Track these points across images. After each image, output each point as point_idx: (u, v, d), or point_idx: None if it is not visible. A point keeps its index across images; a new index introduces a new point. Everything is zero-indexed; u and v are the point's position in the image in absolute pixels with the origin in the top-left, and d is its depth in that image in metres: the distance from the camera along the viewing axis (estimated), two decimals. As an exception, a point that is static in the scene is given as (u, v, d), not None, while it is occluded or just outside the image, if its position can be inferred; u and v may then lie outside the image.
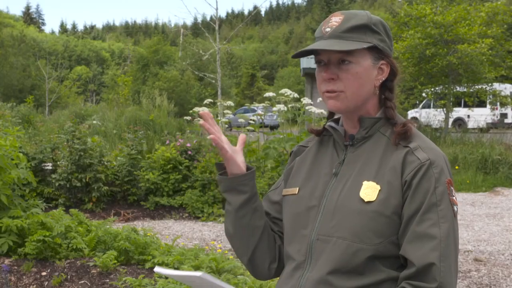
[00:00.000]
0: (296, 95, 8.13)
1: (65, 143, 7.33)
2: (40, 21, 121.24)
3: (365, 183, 1.26)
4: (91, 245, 4.36)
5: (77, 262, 4.11)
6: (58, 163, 7.23)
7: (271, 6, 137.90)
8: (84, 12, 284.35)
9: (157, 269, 1.29)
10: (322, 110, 7.67)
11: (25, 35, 47.58)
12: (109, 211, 7.18)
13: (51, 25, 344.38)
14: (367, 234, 1.22)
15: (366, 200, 1.24)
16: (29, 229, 4.22)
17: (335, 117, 1.44)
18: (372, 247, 1.22)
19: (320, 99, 8.61)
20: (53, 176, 7.05)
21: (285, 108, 8.02)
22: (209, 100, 9.66)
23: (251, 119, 9.21)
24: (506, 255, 5.51)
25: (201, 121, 1.35)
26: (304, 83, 23.78)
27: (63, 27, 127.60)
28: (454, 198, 1.24)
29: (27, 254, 4.12)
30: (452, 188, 1.25)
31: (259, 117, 8.81)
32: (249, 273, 3.90)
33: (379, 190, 1.24)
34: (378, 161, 1.28)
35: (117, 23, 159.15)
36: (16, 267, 4.04)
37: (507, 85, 21.39)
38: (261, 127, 9.18)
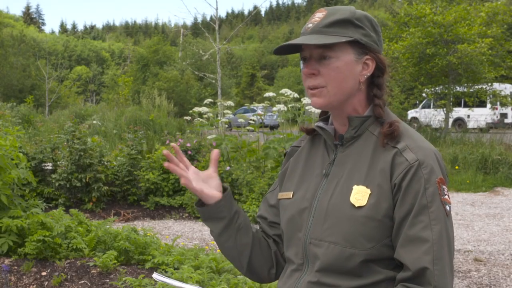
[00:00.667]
0: (296, 95, 8.13)
1: (65, 143, 7.33)
2: (40, 21, 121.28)
3: (355, 187, 1.25)
4: (91, 245, 4.36)
5: (77, 262, 4.11)
6: (58, 163, 7.23)
7: (271, 6, 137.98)
8: (84, 12, 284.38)
9: (155, 276, 1.29)
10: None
11: (25, 35, 47.56)
12: (109, 211, 7.18)
13: (51, 25, 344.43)
14: (358, 239, 1.21)
15: (356, 205, 1.23)
16: (29, 229, 4.22)
17: (325, 115, 1.43)
18: (364, 252, 1.21)
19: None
20: (53, 176, 7.05)
21: (285, 108, 8.02)
22: (209, 100, 9.66)
23: (251, 119, 9.21)
24: (506, 255, 5.51)
25: (165, 163, 1.33)
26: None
27: (63, 27, 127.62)
28: (446, 197, 1.22)
29: (27, 254, 4.12)
30: (444, 187, 1.22)
31: (259, 117, 8.81)
32: None
33: (370, 194, 1.23)
34: (368, 162, 1.26)
35: (117, 23, 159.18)
36: (16, 267, 4.04)
37: (507, 85, 21.40)
38: (261, 127, 9.18)
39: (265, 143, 7.88)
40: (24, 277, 3.93)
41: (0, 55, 35.82)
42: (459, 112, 21.81)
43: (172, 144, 1.34)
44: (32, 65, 39.34)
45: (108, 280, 3.87)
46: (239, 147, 8.20)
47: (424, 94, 18.63)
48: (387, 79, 1.34)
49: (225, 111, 9.33)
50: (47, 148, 7.48)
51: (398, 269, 1.22)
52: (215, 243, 5.74)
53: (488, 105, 21.71)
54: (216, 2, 18.64)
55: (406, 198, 1.20)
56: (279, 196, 1.44)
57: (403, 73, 17.23)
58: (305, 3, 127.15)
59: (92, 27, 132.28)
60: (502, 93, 18.53)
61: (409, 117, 23.25)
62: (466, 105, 20.55)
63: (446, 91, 17.52)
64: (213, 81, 21.38)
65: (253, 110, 19.31)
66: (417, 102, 21.46)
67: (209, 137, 8.42)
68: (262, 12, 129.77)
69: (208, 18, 44.99)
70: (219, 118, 9.46)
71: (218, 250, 4.93)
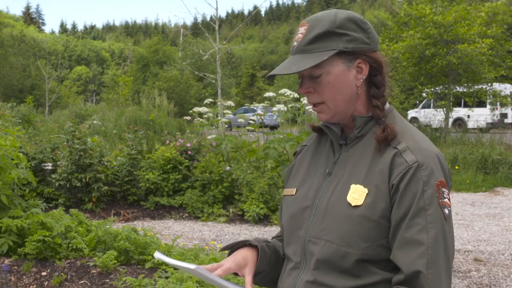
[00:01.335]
0: (296, 95, 8.12)
1: (65, 143, 7.33)
2: (40, 21, 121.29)
3: (352, 186, 1.24)
4: (91, 245, 4.36)
5: (77, 262, 4.11)
6: (58, 163, 7.23)
7: (271, 6, 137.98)
8: (84, 12, 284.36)
9: (157, 254, 1.32)
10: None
11: (25, 35, 47.58)
12: (109, 211, 7.18)
13: (51, 25, 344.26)
14: (354, 238, 1.21)
15: (353, 204, 1.22)
16: (29, 229, 4.22)
17: None
18: (359, 251, 1.21)
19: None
20: (53, 176, 7.05)
21: (285, 108, 8.02)
22: (209, 100, 9.66)
23: (251, 119, 9.20)
24: (506, 255, 5.51)
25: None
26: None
27: (63, 27, 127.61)
28: (445, 200, 1.20)
29: (27, 254, 4.12)
30: (444, 190, 1.21)
31: (259, 117, 8.80)
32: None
33: (367, 194, 1.22)
34: (368, 162, 1.26)
35: (117, 23, 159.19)
36: (16, 267, 4.04)
37: (507, 85, 21.41)
38: (261, 127, 9.17)
39: (265, 143, 7.87)
40: (24, 277, 3.93)
41: (0, 55, 35.82)
42: (459, 112, 21.82)
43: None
44: (32, 65, 39.35)
45: (108, 280, 3.87)
46: (239, 147, 8.20)
47: (424, 94, 18.63)
48: (386, 74, 1.32)
49: (225, 111, 9.32)
50: (47, 148, 7.47)
51: (396, 271, 1.21)
52: (215, 242, 5.75)
53: (488, 105, 21.71)
54: (216, 2, 18.64)
55: (403, 200, 1.19)
56: (284, 192, 1.45)
57: (403, 73, 17.23)
58: (305, 3, 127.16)
59: (92, 27, 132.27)
60: (502, 93, 18.54)
61: (409, 117, 23.27)
62: (466, 105, 20.56)
63: (446, 91, 17.52)
64: (213, 81, 21.38)
65: (253, 110, 19.32)
66: (417, 102, 21.46)
67: (209, 137, 8.42)
68: (262, 12, 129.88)
69: (208, 18, 45.01)
70: (219, 118, 9.45)
71: (218, 250, 4.93)
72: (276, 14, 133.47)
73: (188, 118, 10.62)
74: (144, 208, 7.37)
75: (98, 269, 4.00)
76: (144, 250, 4.29)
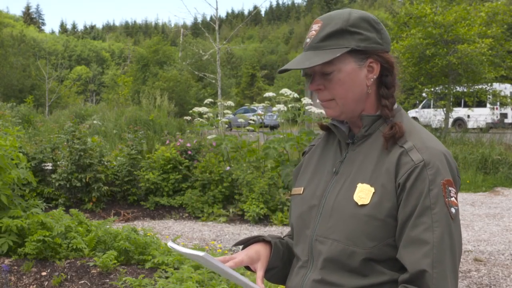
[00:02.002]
0: (296, 95, 8.12)
1: (65, 143, 7.33)
2: (40, 21, 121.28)
3: (359, 185, 1.25)
4: (91, 245, 4.36)
5: (77, 262, 4.11)
6: (58, 163, 7.23)
7: (271, 6, 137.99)
8: (84, 12, 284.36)
9: (170, 243, 1.34)
10: (322, 110, 7.66)
11: (25, 35, 47.58)
12: (109, 211, 7.18)
13: (51, 25, 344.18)
14: (360, 238, 1.21)
15: (359, 203, 1.23)
16: (29, 229, 4.22)
17: None
18: (365, 251, 1.21)
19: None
20: (53, 176, 7.05)
21: (285, 108, 8.02)
22: (209, 100, 9.65)
23: (251, 119, 9.20)
24: (506, 255, 5.51)
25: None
26: (304, 83, 23.77)
27: (63, 27, 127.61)
28: (452, 199, 1.20)
29: (27, 254, 4.12)
30: (450, 188, 1.20)
31: (259, 117, 8.80)
32: (248, 273, 3.90)
33: (373, 193, 1.22)
34: (375, 161, 1.26)
35: (117, 23, 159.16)
36: (16, 267, 4.04)
37: (507, 85, 21.41)
38: (261, 127, 9.17)
39: (265, 143, 7.87)
40: (24, 277, 3.93)
41: (0, 55, 35.81)
42: (459, 112, 21.82)
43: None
44: (32, 65, 39.34)
45: (108, 280, 3.87)
46: (239, 147, 8.20)
47: (424, 94, 18.63)
48: (396, 75, 1.33)
49: (225, 111, 9.32)
50: (47, 148, 7.47)
51: (403, 270, 1.21)
52: (215, 243, 5.75)
53: (488, 105, 21.71)
54: (216, 2, 18.64)
55: (409, 199, 1.19)
56: (292, 192, 1.45)
57: (403, 73, 17.23)
58: (305, 3, 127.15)
59: (92, 27, 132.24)
60: (502, 93, 18.54)
61: (409, 117, 23.20)
62: (466, 105, 20.55)
63: (446, 91, 17.52)
64: (213, 81, 21.38)
65: (253, 110, 19.33)
66: (417, 102, 21.45)
67: (209, 137, 8.42)
68: (262, 12, 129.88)
69: (208, 18, 45.02)
70: (219, 118, 9.45)
71: (219, 250, 4.93)
72: (276, 14, 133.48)
73: (188, 118, 10.61)
74: (144, 208, 7.37)
75: (98, 269, 4.00)
76: (144, 250, 4.29)
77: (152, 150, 8.34)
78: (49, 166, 7.28)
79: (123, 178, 7.43)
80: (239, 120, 9.05)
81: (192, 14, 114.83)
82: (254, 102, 10.91)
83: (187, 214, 7.22)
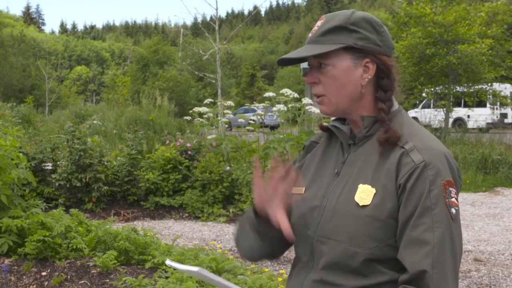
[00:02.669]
0: (296, 95, 8.13)
1: (65, 143, 7.33)
2: (40, 21, 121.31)
3: (360, 186, 1.25)
4: (91, 245, 4.36)
5: (77, 262, 4.11)
6: (58, 163, 7.23)
7: (271, 6, 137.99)
8: (84, 12, 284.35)
9: (168, 261, 1.35)
10: (322, 110, 7.65)
11: (25, 35, 47.60)
12: (109, 211, 7.18)
13: (51, 25, 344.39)
14: (362, 238, 1.22)
15: (361, 204, 1.23)
16: (29, 229, 4.22)
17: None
18: (367, 251, 1.22)
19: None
20: (53, 176, 7.05)
21: (285, 108, 8.02)
22: (209, 100, 9.66)
23: (251, 119, 9.20)
24: (506, 255, 5.51)
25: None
26: (304, 83, 23.77)
27: (63, 27, 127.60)
28: (452, 200, 1.20)
29: (27, 254, 4.12)
30: (451, 189, 1.21)
31: (259, 117, 8.80)
32: (248, 273, 3.89)
33: (374, 194, 1.23)
34: (376, 162, 1.26)
35: (117, 23, 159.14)
36: (16, 267, 4.04)
37: (507, 85, 21.41)
38: (261, 127, 9.17)
39: (265, 143, 7.87)
40: (24, 277, 3.93)
41: (0, 55, 35.81)
42: (459, 112, 21.82)
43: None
44: (32, 65, 39.34)
45: (108, 280, 3.87)
46: (239, 147, 8.20)
47: (424, 94, 18.63)
48: (395, 80, 1.34)
49: (225, 111, 9.32)
50: (47, 148, 7.47)
51: (403, 271, 1.21)
52: (215, 242, 5.75)
53: (488, 105, 21.71)
54: (216, 2, 18.64)
55: (410, 199, 1.20)
56: (293, 190, 1.44)
57: (403, 73, 17.20)
58: (305, 3, 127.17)
59: (92, 27, 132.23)
60: (502, 93, 18.54)
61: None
62: (466, 105, 20.56)
63: (446, 91, 17.52)
64: (213, 81, 21.39)
65: (253, 110, 19.31)
66: (417, 102, 21.46)
67: (209, 137, 8.42)
68: (262, 12, 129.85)
69: (208, 18, 44.97)
70: (219, 118, 9.45)
71: (219, 250, 4.93)
72: (276, 14, 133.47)
73: (188, 118, 10.61)
74: (144, 208, 7.37)
75: (98, 269, 4.00)
76: (144, 250, 4.29)
77: (152, 150, 8.34)
78: (49, 166, 7.28)
79: (123, 178, 7.43)
80: (239, 120, 9.05)
81: (192, 14, 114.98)
82: (254, 102, 10.92)
83: (187, 214, 7.22)
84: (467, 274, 4.83)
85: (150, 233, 4.70)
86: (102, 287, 3.80)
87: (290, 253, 1.47)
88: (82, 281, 3.86)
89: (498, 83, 19.58)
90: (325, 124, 1.46)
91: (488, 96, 18.22)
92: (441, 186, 1.19)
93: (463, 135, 15.09)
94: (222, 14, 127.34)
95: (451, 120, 19.76)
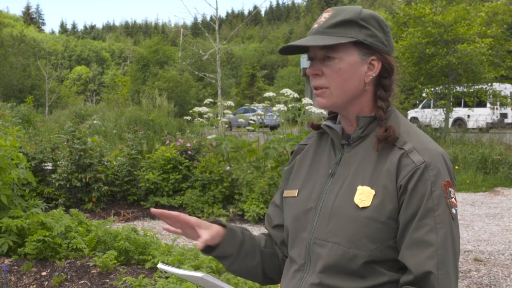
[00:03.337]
0: (296, 95, 8.12)
1: (65, 143, 7.33)
2: (40, 21, 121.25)
3: (359, 188, 1.24)
4: (91, 245, 4.36)
5: (77, 262, 4.11)
6: (58, 163, 7.23)
7: (271, 6, 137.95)
8: (84, 12, 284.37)
9: (160, 265, 1.33)
10: (322, 110, 7.66)
11: (25, 35, 47.49)
12: (109, 211, 7.18)
13: (51, 25, 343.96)
14: (362, 240, 1.21)
15: (360, 206, 1.22)
16: (29, 229, 4.22)
17: (333, 114, 1.42)
18: (367, 253, 1.21)
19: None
20: (53, 176, 7.05)
21: (285, 108, 8.02)
22: (209, 100, 9.66)
23: (251, 119, 9.20)
24: (506, 255, 5.51)
25: (165, 226, 1.41)
26: (304, 83, 23.78)
27: (63, 27, 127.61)
28: (453, 200, 1.21)
29: (27, 254, 4.12)
30: (450, 189, 1.21)
31: (259, 117, 8.80)
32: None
33: (374, 195, 1.22)
34: (373, 163, 1.25)
35: (117, 23, 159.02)
36: (16, 267, 4.04)
37: (507, 85, 21.40)
38: (261, 127, 9.17)
39: (265, 143, 7.87)
40: (24, 277, 3.93)
41: (0, 55, 35.80)
42: (459, 112, 21.81)
43: (152, 210, 1.36)
44: (32, 65, 39.30)
45: (108, 280, 3.87)
46: (239, 147, 8.20)
47: (424, 94, 18.63)
48: (395, 81, 1.33)
49: (225, 111, 9.32)
50: (47, 148, 7.47)
51: (402, 271, 1.21)
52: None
53: (488, 105, 21.72)
54: (216, 2, 18.64)
55: (411, 201, 1.19)
56: (284, 194, 1.43)
57: (403, 73, 17.23)
58: (305, 3, 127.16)
59: (92, 27, 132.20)
60: (502, 93, 18.54)
61: (409, 117, 23.26)
62: (466, 105, 20.56)
63: (446, 91, 17.52)
64: (213, 81, 21.39)
65: (253, 110, 19.31)
66: (417, 102, 21.47)
67: (209, 137, 8.42)
68: (262, 12, 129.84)
69: (208, 18, 45.03)
70: (219, 118, 9.45)
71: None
72: (276, 14, 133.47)
73: (188, 118, 10.62)
74: (144, 208, 7.37)
75: (98, 269, 4.00)
76: (144, 250, 4.29)
77: (152, 150, 8.34)
78: (49, 166, 7.28)
79: (123, 178, 7.43)
80: (239, 120, 9.05)
81: (192, 14, 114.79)
82: (254, 102, 10.92)
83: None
84: (467, 274, 4.83)
85: (150, 233, 4.70)
86: (102, 287, 3.80)
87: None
88: (82, 281, 3.86)
89: (498, 83, 19.57)
90: (316, 123, 1.45)
91: (488, 96, 18.22)
92: (442, 187, 1.19)
93: (463, 135, 15.09)
94: (222, 14, 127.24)
95: (451, 120, 19.75)
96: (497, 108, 21.42)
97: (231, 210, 7.10)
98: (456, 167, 11.37)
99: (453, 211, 1.21)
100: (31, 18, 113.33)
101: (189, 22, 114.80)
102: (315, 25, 1.30)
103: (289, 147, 7.64)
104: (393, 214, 1.21)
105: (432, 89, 17.99)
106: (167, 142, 8.26)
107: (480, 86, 17.60)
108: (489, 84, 17.62)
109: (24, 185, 5.60)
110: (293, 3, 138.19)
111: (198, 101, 31.88)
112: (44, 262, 4.12)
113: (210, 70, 35.13)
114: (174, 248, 4.39)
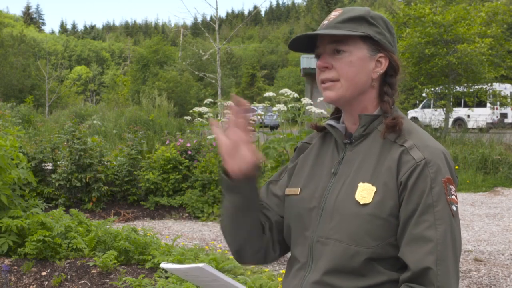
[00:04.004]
0: (296, 95, 8.12)
1: (65, 143, 7.33)
2: (40, 21, 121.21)
3: (360, 184, 1.25)
4: (91, 245, 4.36)
5: (77, 262, 4.11)
6: (58, 163, 7.23)
7: (271, 6, 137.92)
8: (84, 12, 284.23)
9: (163, 264, 1.33)
10: (322, 110, 7.67)
11: (25, 35, 47.50)
12: (109, 211, 7.18)
13: (51, 25, 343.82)
14: (363, 237, 1.21)
15: (361, 202, 1.22)
16: (29, 229, 4.22)
17: (336, 115, 1.43)
18: (369, 250, 1.21)
19: (321, 98, 8.48)
20: (53, 176, 7.05)
21: (285, 108, 8.02)
22: (209, 100, 9.66)
23: (251, 119, 9.19)
24: (506, 255, 5.51)
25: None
26: (304, 83, 23.78)
27: (63, 27, 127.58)
28: (453, 197, 1.21)
29: (27, 254, 4.12)
30: (451, 186, 1.22)
31: (259, 117, 8.81)
32: (248, 273, 3.90)
33: (375, 192, 1.22)
34: (375, 160, 1.26)
35: (117, 23, 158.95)
36: (16, 267, 4.04)
37: (507, 85, 21.39)
38: (261, 127, 9.17)
39: (265, 143, 7.87)
40: (24, 277, 3.93)
41: (0, 55, 35.80)
42: (459, 112, 21.80)
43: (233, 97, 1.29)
44: (32, 65, 39.30)
45: (108, 280, 3.87)
46: (239, 147, 8.18)
47: (424, 94, 18.62)
48: (399, 80, 1.36)
49: (225, 111, 9.31)
50: (47, 148, 7.47)
51: (403, 270, 1.21)
52: (215, 242, 5.75)
53: (488, 105, 21.71)
54: (216, 2, 18.64)
55: (411, 197, 1.20)
56: (287, 191, 1.42)
57: (403, 73, 17.18)
58: (305, 3, 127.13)
59: (92, 27, 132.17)
60: (502, 93, 18.53)
61: (409, 117, 23.05)
62: (466, 105, 20.55)
63: (446, 91, 17.51)
64: (213, 81, 21.39)
65: (253, 110, 19.28)
66: (417, 102, 21.45)
67: (209, 137, 8.42)
68: (262, 12, 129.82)
69: (208, 18, 45.01)
70: (219, 118, 9.45)
71: (218, 250, 4.93)
72: (276, 14, 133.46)
73: (188, 118, 10.62)
74: (144, 208, 7.37)
75: (98, 269, 4.00)
76: (144, 250, 4.29)
77: (152, 150, 8.34)
78: (49, 166, 7.28)
79: (123, 178, 7.43)
80: (239, 120, 9.03)
81: (192, 14, 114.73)
82: (254, 102, 10.92)
83: (187, 214, 7.22)
84: (467, 274, 4.83)
85: (150, 233, 4.70)
86: (102, 287, 3.80)
87: (290, 254, 1.45)
88: (82, 281, 3.86)
89: (498, 83, 19.57)
90: (319, 124, 1.45)
91: (488, 96, 18.22)
92: (442, 183, 1.20)
93: (463, 135, 15.09)
94: (222, 14, 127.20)
95: (451, 120, 19.74)
96: (497, 108, 21.42)
97: (231, 210, 7.09)
98: (456, 167, 11.36)
99: (454, 208, 1.21)
100: (31, 18, 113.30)
101: (189, 22, 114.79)
102: (325, 21, 1.32)
103: (289, 147, 7.64)
104: (394, 210, 1.21)
105: (432, 89, 17.99)
106: (167, 142, 8.26)
107: (480, 86, 17.59)
108: (489, 84, 17.61)
109: (24, 185, 5.59)
110: (293, 3, 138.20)
111: (198, 101, 31.87)
112: (44, 262, 4.12)
113: (210, 70, 35.14)
114: (174, 248, 4.39)
